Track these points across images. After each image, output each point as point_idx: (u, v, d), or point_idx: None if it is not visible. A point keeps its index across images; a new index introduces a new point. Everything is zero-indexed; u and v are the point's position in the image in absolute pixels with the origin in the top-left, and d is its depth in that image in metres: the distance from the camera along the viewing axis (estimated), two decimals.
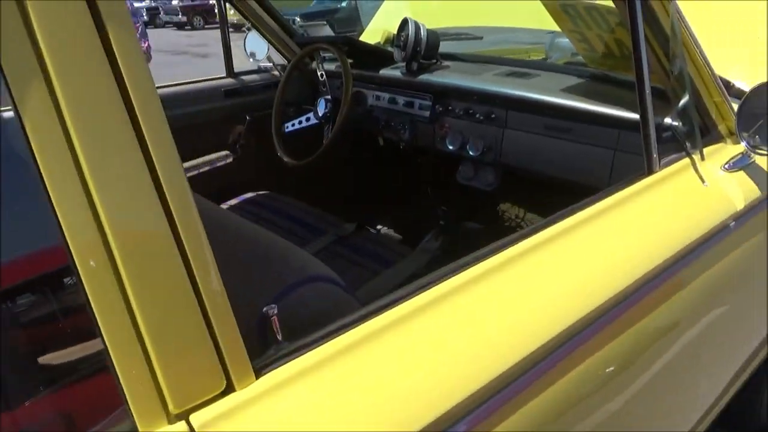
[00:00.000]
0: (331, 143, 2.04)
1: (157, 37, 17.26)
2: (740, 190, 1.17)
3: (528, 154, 1.84)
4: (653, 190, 1.09)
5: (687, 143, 1.22)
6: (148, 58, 5.24)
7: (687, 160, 1.19)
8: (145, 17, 20.78)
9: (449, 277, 0.80)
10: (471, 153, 1.97)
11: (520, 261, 0.86)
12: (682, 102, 1.22)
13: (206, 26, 19.35)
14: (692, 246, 1.04)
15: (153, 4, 21.88)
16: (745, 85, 1.47)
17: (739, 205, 1.14)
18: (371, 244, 1.91)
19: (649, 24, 1.10)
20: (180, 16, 20.29)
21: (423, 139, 2.14)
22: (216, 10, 2.31)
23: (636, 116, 1.32)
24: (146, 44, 5.08)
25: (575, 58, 1.96)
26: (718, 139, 1.32)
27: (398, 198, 2.53)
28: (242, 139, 2.37)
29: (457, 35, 2.31)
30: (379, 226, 2.41)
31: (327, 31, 2.59)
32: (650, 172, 1.12)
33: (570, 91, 1.70)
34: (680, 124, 1.27)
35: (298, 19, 14.16)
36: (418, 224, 2.30)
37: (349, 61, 2.29)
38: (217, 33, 2.50)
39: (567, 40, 2.08)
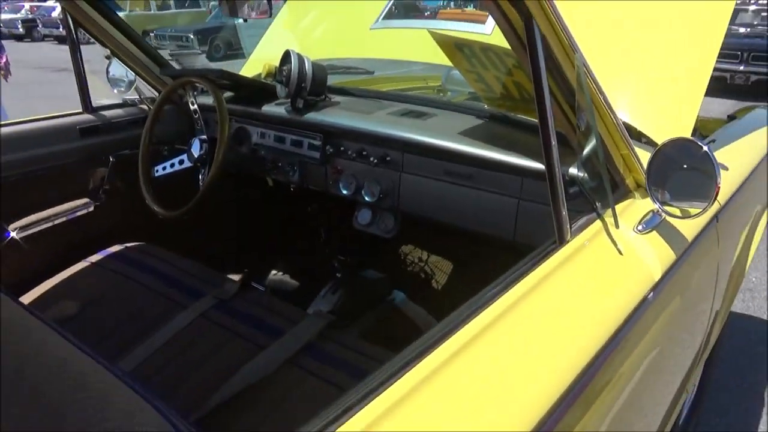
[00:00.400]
0: (206, 191, 1.77)
1: (35, 51, 15.91)
2: (655, 256, 1.06)
3: (428, 200, 1.68)
4: (568, 265, 0.95)
5: (597, 202, 1.10)
6: (5, 74, 4.65)
7: (599, 223, 1.06)
8: (21, 29, 19.07)
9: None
10: (367, 198, 1.79)
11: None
12: (588, 154, 1.10)
13: (92, 41, 18.03)
14: (614, 330, 0.90)
15: (30, 16, 20.07)
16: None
17: (657, 274, 1.03)
18: (257, 308, 1.66)
19: (553, 76, 0.97)
20: (61, 29, 18.76)
21: (315, 181, 1.94)
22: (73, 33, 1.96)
23: (539, 166, 1.18)
24: (3, 59, 4.50)
25: (474, 94, 1.83)
26: (626, 193, 1.21)
27: (289, 247, 2.30)
28: (106, 184, 2.04)
29: (347, 69, 2.12)
30: (270, 279, 2.17)
31: (203, 61, 2.32)
32: (562, 241, 0.98)
33: (469, 134, 1.56)
34: (587, 177, 1.15)
35: (192, 36, 13.58)
36: (312, 277, 2.08)
37: (229, 94, 2.05)
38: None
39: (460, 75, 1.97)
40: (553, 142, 0.93)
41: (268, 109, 1.92)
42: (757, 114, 2.20)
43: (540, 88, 0.90)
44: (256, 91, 2.01)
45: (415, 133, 1.60)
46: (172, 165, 1.96)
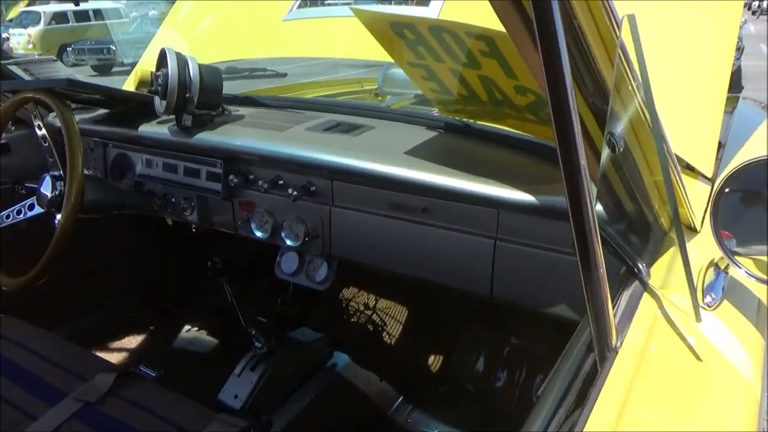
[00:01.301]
0: (59, 246, 1.26)
1: None
2: (741, 348, 0.64)
3: (370, 243, 1.23)
4: (627, 402, 0.51)
5: (639, 263, 0.68)
6: None
7: (650, 302, 0.64)
8: None
9: None
10: (288, 242, 1.33)
11: None
12: (626, 187, 0.68)
13: None
14: None
15: None
16: None
17: (756, 385, 0.61)
18: (138, 412, 1.16)
19: (578, 68, 0.54)
20: None
21: (219, 221, 1.47)
22: None
23: (524, 194, 0.78)
24: None
25: (416, 97, 1.40)
26: (662, 237, 0.80)
27: (189, 309, 1.81)
28: None
29: (251, 72, 1.65)
30: (163, 358, 1.67)
31: (60, 69, 1.80)
32: (606, 353, 0.55)
33: (419, 152, 1.12)
34: (620, 222, 0.73)
35: (113, 47, 12.63)
36: (222, 349, 1.60)
37: (102, 112, 1.54)
38: None
39: (401, 74, 1.53)
40: (585, 181, 0.50)
41: (147, 129, 1.43)
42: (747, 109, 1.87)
43: (559, 88, 0.46)
44: (135, 106, 1.51)
45: (344, 155, 1.15)
46: (19, 212, 1.43)
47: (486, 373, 1.65)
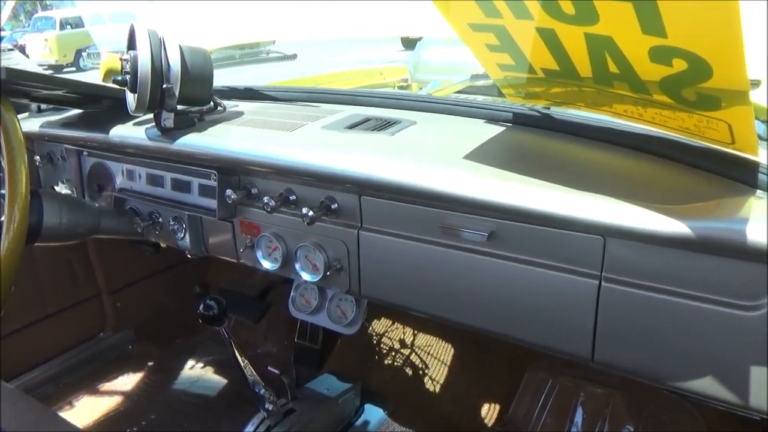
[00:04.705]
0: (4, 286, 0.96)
1: None
2: None
3: (412, 281, 0.90)
4: None
5: None
6: None
7: None
8: None
9: None
10: (305, 276, 1.02)
11: None
12: None
13: None
14: None
15: None
16: None
17: None
18: None
19: None
20: None
21: (216, 246, 1.17)
22: None
23: (646, 216, 0.63)
24: None
25: (474, 81, 1.06)
26: None
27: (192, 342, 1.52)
28: None
29: (254, 54, 1.33)
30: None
31: (18, 60, 1.51)
32: None
33: (484, 156, 0.79)
34: None
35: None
36: (232, 392, 1.29)
37: (74, 113, 1.25)
38: None
39: (443, 54, 1.22)
40: None
41: (120, 133, 1.12)
42: None
43: None
44: (113, 104, 1.21)
45: (379, 162, 0.82)
46: None
47: (555, 426, 1.32)
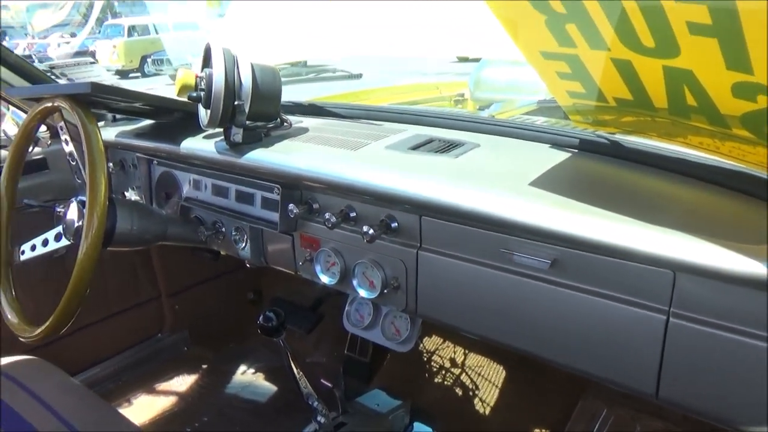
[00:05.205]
0: (75, 290, 1.01)
1: None
2: None
3: (470, 304, 0.90)
4: None
5: None
6: None
7: None
8: None
9: None
10: (361, 292, 1.03)
11: None
12: None
13: None
14: None
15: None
16: None
17: None
18: None
19: None
20: None
21: (276, 257, 1.19)
22: None
23: (718, 253, 0.61)
24: None
25: (540, 106, 1.06)
26: None
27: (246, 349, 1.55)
28: None
29: (320, 72, 1.36)
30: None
31: (99, 72, 1.60)
32: None
33: (550, 183, 0.79)
34: None
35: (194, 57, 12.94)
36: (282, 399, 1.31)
37: (146, 123, 1.31)
38: None
39: (505, 73, 1.21)
40: None
41: (190, 146, 1.17)
42: None
43: None
44: (184, 116, 1.26)
45: (443, 185, 0.83)
46: (45, 242, 1.20)
47: None
